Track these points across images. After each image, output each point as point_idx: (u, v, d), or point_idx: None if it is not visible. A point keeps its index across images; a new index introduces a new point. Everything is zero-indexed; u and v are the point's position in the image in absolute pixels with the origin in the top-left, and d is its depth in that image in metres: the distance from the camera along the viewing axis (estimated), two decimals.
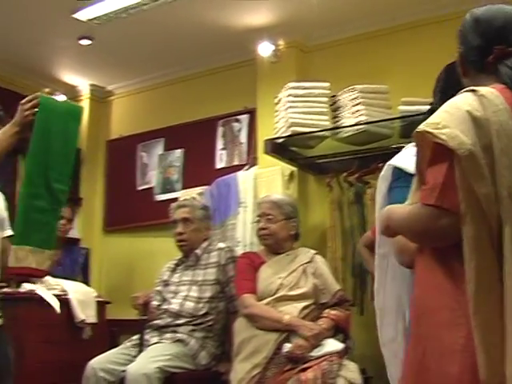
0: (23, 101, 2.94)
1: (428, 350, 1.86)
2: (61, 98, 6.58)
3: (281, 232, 4.30)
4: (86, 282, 6.02)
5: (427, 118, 1.90)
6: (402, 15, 5.20)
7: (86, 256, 6.30)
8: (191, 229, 4.59)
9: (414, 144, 2.00)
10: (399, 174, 2.41)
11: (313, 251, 4.31)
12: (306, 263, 4.18)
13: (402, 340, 2.49)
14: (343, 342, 3.96)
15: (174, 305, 4.40)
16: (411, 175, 2.16)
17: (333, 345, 3.84)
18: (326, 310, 4.04)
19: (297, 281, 4.06)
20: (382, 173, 2.59)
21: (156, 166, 6.44)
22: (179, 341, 4.20)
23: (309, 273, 4.12)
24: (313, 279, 4.09)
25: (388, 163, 2.57)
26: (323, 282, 4.13)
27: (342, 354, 3.79)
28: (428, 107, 4.30)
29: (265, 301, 4.02)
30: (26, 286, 4.60)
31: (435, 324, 1.86)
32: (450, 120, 1.80)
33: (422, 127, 1.83)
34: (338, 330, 4.03)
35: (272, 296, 4.03)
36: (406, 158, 2.40)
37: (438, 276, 1.88)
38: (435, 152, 1.83)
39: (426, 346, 1.86)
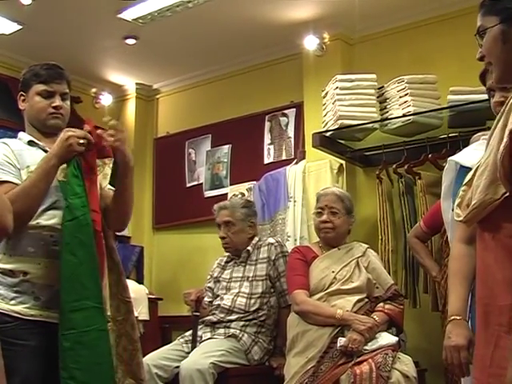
0: (70, 131, 2.70)
1: None
2: (107, 97, 6.70)
3: (343, 226, 4.22)
4: (139, 279, 6.06)
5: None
6: (448, 4, 5.15)
7: (140, 254, 6.34)
8: (233, 231, 4.56)
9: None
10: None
11: (365, 245, 4.26)
12: (358, 257, 4.13)
13: None
14: (396, 335, 3.94)
15: (226, 301, 4.40)
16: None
17: (387, 338, 3.81)
18: (380, 304, 4.01)
19: (350, 275, 4.02)
20: (446, 166, 2.68)
21: (204, 163, 6.46)
22: (232, 336, 4.21)
23: (362, 267, 4.08)
24: (366, 273, 4.05)
25: (449, 159, 2.65)
26: (376, 276, 4.09)
27: (396, 348, 3.77)
28: (477, 96, 4.29)
29: (318, 295, 3.99)
30: None
31: None
32: None
33: None
34: (391, 324, 4.00)
35: (325, 290, 4.00)
36: (467, 154, 2.46)
37: None
38: None
39: None
